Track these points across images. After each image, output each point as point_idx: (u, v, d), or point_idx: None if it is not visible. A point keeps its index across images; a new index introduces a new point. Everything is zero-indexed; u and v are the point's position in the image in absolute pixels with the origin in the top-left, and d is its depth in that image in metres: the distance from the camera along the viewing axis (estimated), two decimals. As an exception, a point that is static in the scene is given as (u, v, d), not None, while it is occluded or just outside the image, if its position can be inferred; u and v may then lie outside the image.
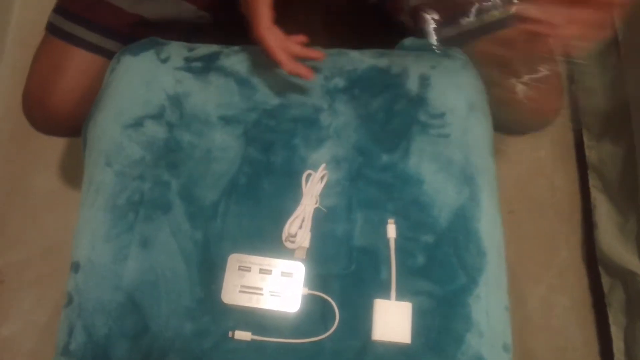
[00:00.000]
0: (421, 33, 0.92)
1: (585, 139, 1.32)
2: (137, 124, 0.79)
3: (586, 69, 1.29)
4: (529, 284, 1.31)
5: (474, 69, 0.85)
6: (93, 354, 0.69)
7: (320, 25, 1.36)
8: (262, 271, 0.71)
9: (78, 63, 0.86)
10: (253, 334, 0.69)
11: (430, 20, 0.89)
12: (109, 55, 0.87)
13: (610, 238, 1.18)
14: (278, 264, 0.71)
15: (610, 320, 1.18)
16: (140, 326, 0.70)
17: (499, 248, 0.76)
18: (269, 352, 0.69)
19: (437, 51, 0.87)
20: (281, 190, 0.76)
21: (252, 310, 0.70)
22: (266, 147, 0.78)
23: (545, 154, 1.41)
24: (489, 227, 0.75)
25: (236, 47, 0.86)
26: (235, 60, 0.83)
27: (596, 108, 1.28)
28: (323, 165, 0.76)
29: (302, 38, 0.76)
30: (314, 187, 0.75)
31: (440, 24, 0.88)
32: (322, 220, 0.74)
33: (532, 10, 0.65)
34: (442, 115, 0.80)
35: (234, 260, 0.71)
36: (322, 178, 0.76)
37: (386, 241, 0.73)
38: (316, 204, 0.74)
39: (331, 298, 0.70)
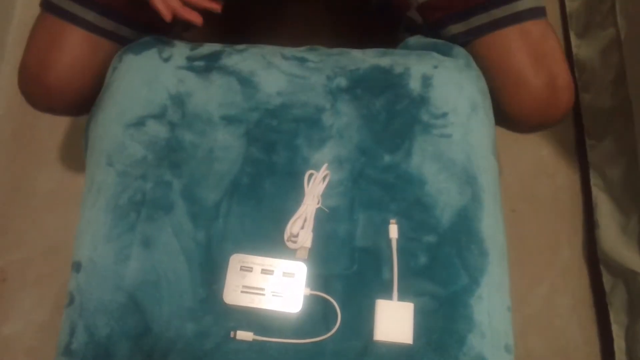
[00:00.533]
0: (428, 30, 0.92)
1: (587, 138, 1.32)
2: (139, 123, 0.79)
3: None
4: (531, 283, 1.31)
5: (476, 68, 0.85)
6: (94, 354, 0.69)
7: (323, 24, 1.36)
8: (264, 271, 0.71)
9: (74, 41, 0.86)
10: (255, 334, 0.69)
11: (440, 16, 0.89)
12: (104, 34, 0.87)
13: (612, 237, 1.18)
14: (280, 264, 0.71)
15: (612, 319, 1.19)
16: (141, 326, 0.70)
17: (501, 249, 0.76)
18: (271, 352, 0.69)
19: (442, 47, 0.87)
20: (283, 191, 0.76)
21: (253, 311, 0.70)
22: (268, 147, 0.78)
23: (547, 153, 1.41)
24: (491, 228, 0.75)
25: (239, 46, 0.86)
26: (238, 59, 0.83)
27: (598, 107, 1.27)
28: (325, 165, 0.76)
29: None
30: (316, 187, 0.75)
31: (449, 20, 0.88)
32: (324, 221, 0.74)
33: None
34: (444, 115, 0.80)
35: (236, 260, 0.71)
36: (324, 178, 0.76)
37: (388, 241, 0.73)
38: (318, 204, 0.74)
39: (333, 298, 0.70)
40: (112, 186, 0.76)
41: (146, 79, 0.81)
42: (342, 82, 0.82)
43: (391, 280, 0.71)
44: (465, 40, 0.87)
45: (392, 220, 0.74)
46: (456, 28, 0.87)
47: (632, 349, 1.13)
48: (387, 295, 0.71)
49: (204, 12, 0.79)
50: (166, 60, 0.83)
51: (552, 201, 1.37)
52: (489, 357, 0.70)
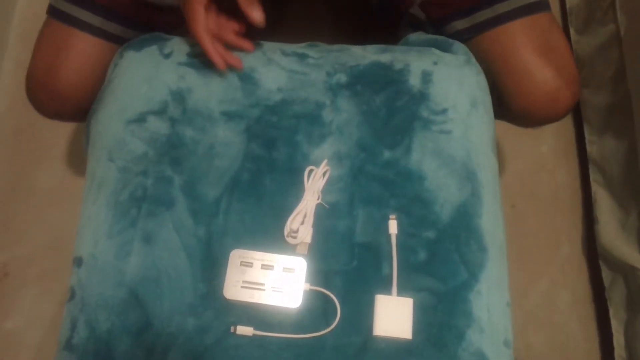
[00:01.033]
0: (431, 26, 0.92)
1: (586, 133, 1.32)
2: (140, 119, 0.79)
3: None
4: (531, 278, 1.31)
5: (476, 64, 0.85)
6: (95, 348, 0.70)
7: (323, 21, 1.36)
8: (264, 267, 0.71)
9: (80, 46, 0.86)
10: (255, 329, 0.69)
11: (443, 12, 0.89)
12: (111, 38, 0.87)
13: (611, 233, 1.19)
14: (280, 260, 0.71)
15: (611, 314, 1.19)
16: (142, 322, 0.70)
17: (501, 244, 0.76)
18: (271, 347, 0.69)
19: (442, 43, 0.87)
20: (283, 187, 0.76)
21: (254, 306, 0.70)
22: (268, 144, 0.78)
23: (547, 149, 1.41)
24: (491, 224, 0.76)
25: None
26: (238, 56, 0.83)
27: (598, 103, 1.28)
28: (325, 162, 0.76)
29: (235, 26, 0.79)
30: (315, 183, 0.75)
31: (453, 16, 0.88)
32: (324, 217, 0.75)
33: None
34: (444, 111, 0.80)
35: (236, 255, 0.71)
36: (324, 174, 0.76)
37: (388, 237, 0.73)
38: (318, 199, 0.75)
39: (333, 294, 0.71)
40: (113, 182, 0.76)
41: (147, 75, 0.81)
42: (342, 78, 0.82)
43: (391, 276, 0.71)
44: (469, 36, 0.87)
45: (392, 216, 0.74)
46: (460, 24, 0.87)
47: (631, 345, 1.13)
48: (387, 290, 0.71)
49: None
50: (167, 56, 0.83)
51: (552, 197, 1.37)
52: (488, 353, 0.70)
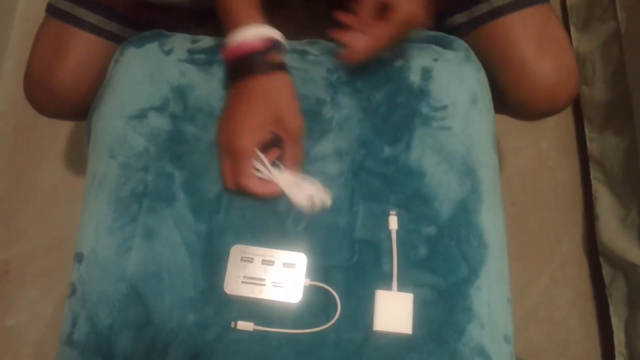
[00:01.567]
0: (431, 22, 0.92)
1: (587, 131, 1.32)
2: (141, 115, 0.79)
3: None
4: (531, 275, 1.31)
5: (476, 61, 0.85)
6: (96, 344, 0.70)
7: (324, 17, 1.36)
8: (265, 262, 0.71)
9: (79, 44, 0.86)
10: (255, 324, 0.69)
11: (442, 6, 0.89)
12: (110, 37, 0.87)
13: (612, 230, 1.19)
14: (280, 255, 0.71)
15: (611, 311, 1.19)
16: (143, 317, 0.70)
17: (501, 240, 0.76)
18: (272, 342, 0.69)
19: (442, 40, 0.87)
20: (284, 183, 0.76)
21: (254, 301, 0.70)
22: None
23: (547, 146, 1.41)
24: (491, 220, 0.76)
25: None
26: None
27: (598, 100, 1.28)
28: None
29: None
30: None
31: (452, 10, 0.88)
32: (324, 212, 0.75)
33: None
34: (444, 107, 0.80)
35: (237, 251, 0.71)
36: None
37: (388, 233, 0.73)
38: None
39: (333, 289, 0.71)
40: (114, 178, 0.76)
41: (148, 72, 0.82)
42: (343, 75, 0.82)
43: (391, 272, 0.71)
44: (469, 30, 0.87)
45: (392, 212, 0.74)
46: (459, 18, 0.88)
47: (632, 341, 1.13)
48: (387, 286, 0.71)
49: (205, 10, 0.78)
50: (168, 53, 0.83)
51: (552, 194, 1.38)
52: (488, 348, 0.70)
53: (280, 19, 0.76)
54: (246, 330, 0.69)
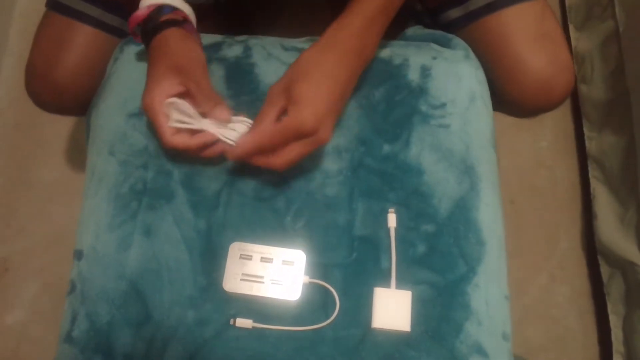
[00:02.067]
0: (427, 15, 0.92)
1: (585, 129, 1.32)
2: (141, 113, 0.79)
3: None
4: (529, 273, 1.32)
5: (475, 59, 0.85)
6: (96, 341, 0.70)
7: (323, 15, 1.36)
8: (264, 259, 0.71)
9: (81, 38, 0.86)
10: (254, 321, 0.70)
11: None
12: (111, 30, 0.87)
13: (610, 228, 1.19)
14: (279, 253, 0.72)
15: (609, 309, 1.19)
16: (142, 314, 0.71)
17: (499, 238, 0.76)
18: (270, 339, 0.69)
19: (441, 38, 0.87)
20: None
21: (253, 298, 0.70)
22: (268, 137, 0.78)
23: (546, 145, 1.41)
24: (489, 217, 0.76)
25: (239, 37, 0.86)
26: (238, 50, 0.84)
27: (597, 99, 1.28)
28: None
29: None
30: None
31: (448, 4, 0.88)
32: (323, 210, 0.75)
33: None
34: (443, 105, 0.80)
35: (236, 248, 0.72)
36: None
37: (387, 230, 0.74)
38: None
39: (332, 286, 0.71)
40: (114, 175, 0.76)
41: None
42: (342, 73, 0.82)
43: (389, 269, 0.72)
44: (464, 24, 0.87)
45: (391, 210, 0.74)
46: (455, 12, 0.88)
47: (630, 339, 1.13)
48: (386, 283, 0.71)
49: (206, 10, 0.78)
50: (167, 50, 0.83)
51: (551, 193, 1.38)
52: (486, 345, 0.70)
53: (280, 18, 0.76)
54: (245, 328, 0.69)
